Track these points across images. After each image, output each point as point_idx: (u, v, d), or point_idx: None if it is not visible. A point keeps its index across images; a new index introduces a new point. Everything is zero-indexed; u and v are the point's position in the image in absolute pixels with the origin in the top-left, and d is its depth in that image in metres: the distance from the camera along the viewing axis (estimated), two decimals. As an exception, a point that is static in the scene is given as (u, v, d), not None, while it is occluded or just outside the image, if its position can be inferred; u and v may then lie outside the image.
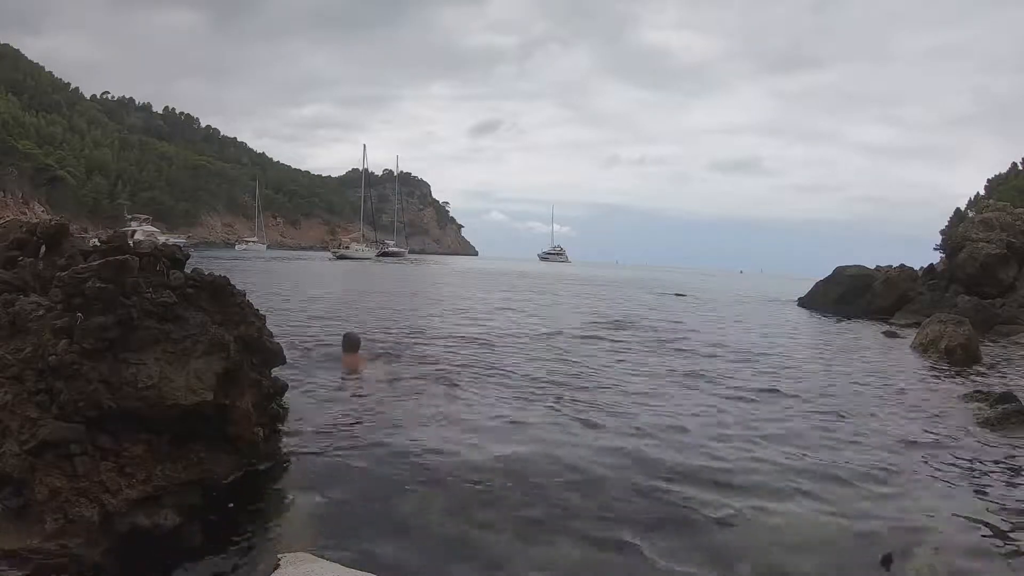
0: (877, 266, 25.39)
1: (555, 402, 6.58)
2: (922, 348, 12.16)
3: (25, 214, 59.42)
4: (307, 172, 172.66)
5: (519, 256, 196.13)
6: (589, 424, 5.83)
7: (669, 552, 3.49)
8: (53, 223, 4.33)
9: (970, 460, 5.41)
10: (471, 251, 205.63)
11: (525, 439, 5.24)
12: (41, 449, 3.24)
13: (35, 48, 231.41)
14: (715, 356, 10.80)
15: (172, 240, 34.91)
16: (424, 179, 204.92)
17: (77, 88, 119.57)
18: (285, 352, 4.80)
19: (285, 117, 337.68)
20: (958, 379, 9.59)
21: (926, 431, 6.29)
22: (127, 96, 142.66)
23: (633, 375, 8.51)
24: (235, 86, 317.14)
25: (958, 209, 66.39)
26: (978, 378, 9.71)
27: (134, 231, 49.19)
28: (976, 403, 7.51)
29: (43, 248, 4.19)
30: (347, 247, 79.21)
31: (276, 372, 4.76)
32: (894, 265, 24.80)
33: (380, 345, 9.36)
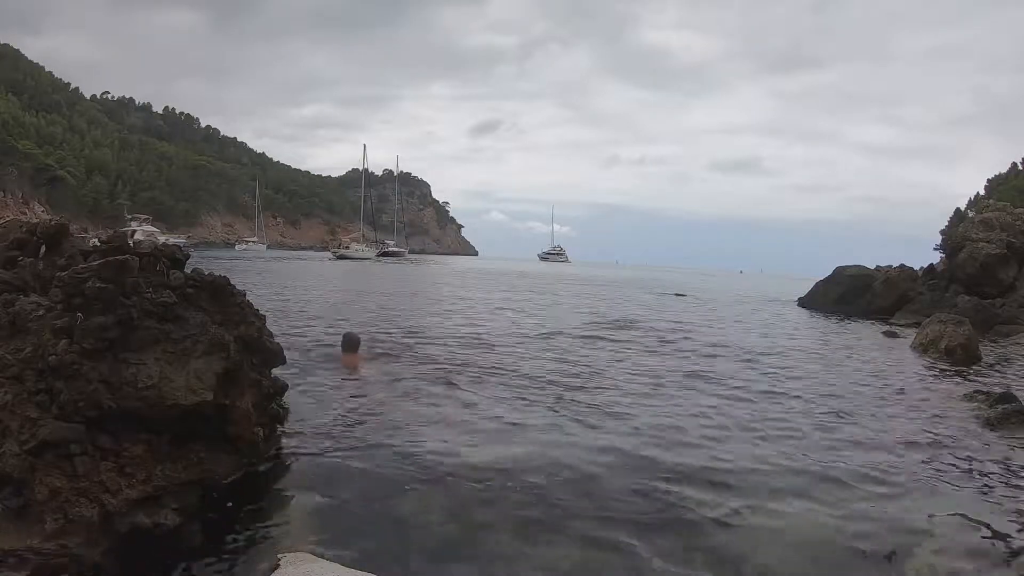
0: (877, 266, 25.41)
1: (555, 402, 6.58)
2: (922, 348, 12.17)
3: (25, 214, 59.43)
4: (307, 172, 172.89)
5: (519, 256, 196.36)
6: (589, 425, 5.83)
7: (668, 553, 3.49)
8: (53, 223, 4.33)
9: (970, 460, 5.41)
10: (471, 251, 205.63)
11: (525, 440, 5.25)
12: (41, 449, 3.24)
13: (35, 48, 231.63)
14: (715, 356, 10.80)
15: (172, 240, 34.92)
16: (424, 179, 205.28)
17: (77, 88, 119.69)
18: (285, 352, 4.80)
19: (285, 117, 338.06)
20: (958, 379, 9.59)
21: (926, 431, 6.29)
22: (127, 96, 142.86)
23: (633, 375, 8.51)
24: (235, 86, 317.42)
25: (958, 209, 66.40)
26: (978, 378, 9.71)
27: (134, 231, 49.19)
28: (976, 403, 7.51)
29: (43, 248, 4.19)
30: (347, 247, 79.19)
31: (276, 372, 4.76)
32: (894, 265, 24.82)
33: (380, 345, 9.36)
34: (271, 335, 4.60)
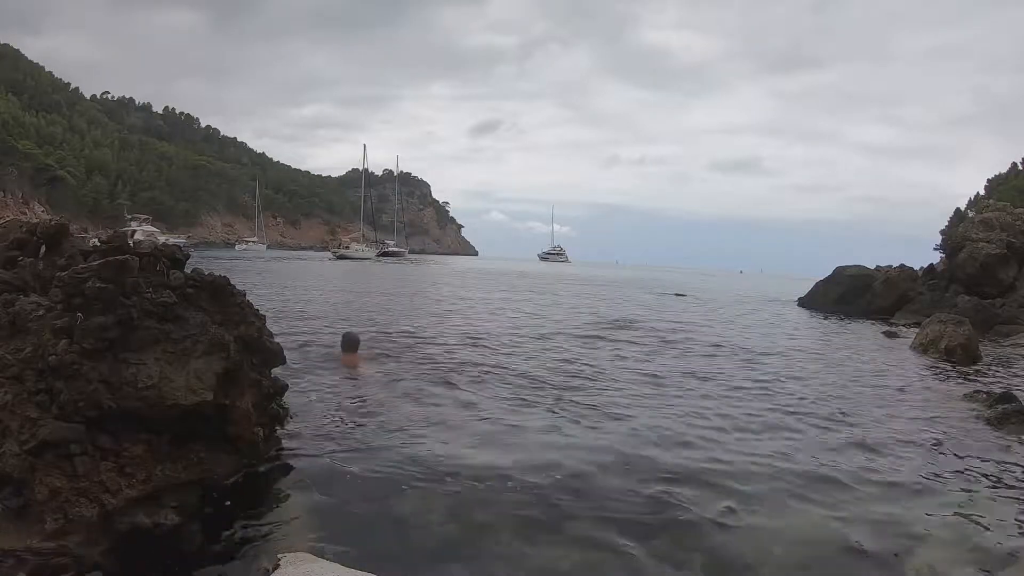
0: (877, 266, 25.42)
1: (554, 403, 6.58)
2: (922, 348, 12.17)
3: (25, 214, 59.42)
4: (307, 172, 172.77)
5: (519, 256, 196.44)
6: (588, 425, 5.83)
7: (667, 554, 3.49)
8: (53, 223, 4.33)
9: (970, 460, 5.40)
10: (471, 251, 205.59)
11: (524, 440, 5.25)
12: (41, 449, 3.24)
13: (35, 48, 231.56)
14: (715, 356, 10.80)
15: (172, 240, 34.91)
16: (424, 179, 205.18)
17: (77, 88, 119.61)
18: (285, 352, 4.80)
19: (285, 117, 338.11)
20: (958, 379, 9.59)
21: (926, 431, 6.29)
22: (127, 96, 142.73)
23: (632, 376, 8.51)
24: (235, 86, 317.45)
25: (958, 209, 66.39)
26: (978, 378, 9.71)
27: (134, 231, 49.16)
28: (976, 403, 7.51)
29: (43, 248, 4.19)
30: (347, 247, 79.14)
31: (276, 372, 4.76)
32: (894, 265, 24.84)
33: (380, 345, 9.36)
34: (271, 335, 4.60)
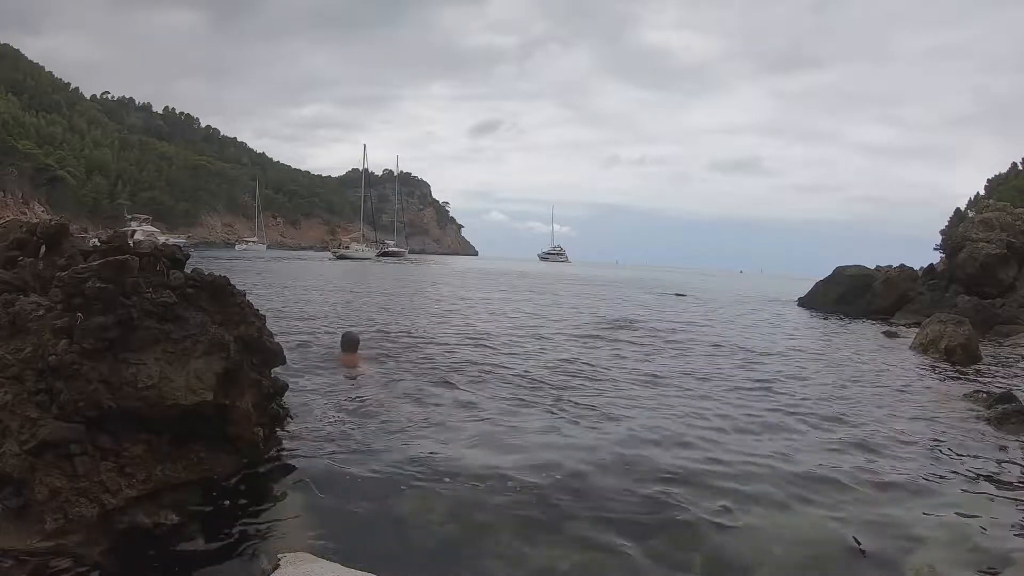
0: (877, 266, 25.43)
1: (554, 403, 6.58)
2: (922, 348, 12.17)
3: (25, 214, 59.42)
4: (307, 172, 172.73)
5: (519, 256, 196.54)
6: (587, 425, 5.83)
7: (667, 554, 3.49)
8: (53, 223, 4.33)
9: (970, 460, 5.40)
10: (471, 251, 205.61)
11: (524, 440, 5.25)
12: (41, 449, 3.24)
13: (35, 48, 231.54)
14: (714, 356, 10.80)
15: (172, 240, 34.91)
16: (424, 179, 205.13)
17: (77, 88, 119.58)
18: (285, 352, 4.80)
19: (285, 117, 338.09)
20: (958, 379, 9.59)
21: (926, 431, 6.29)
22: (127, 96, 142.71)
23: (632, 376, 8.51)
24: (235, 86, 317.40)
25: (958, 209, 66.41)
26: (978, 378, 9.71)
27: (134, 231, 49.16)
28: (976, 403, 7.51)
29: (43, 248, 4.19)
30: (347, 247, 79.15)
31: (276, 372, 4.76)
32: (894, 265, 24.84)
33: (379, 345, 9.36)
34: (271, 335, 4.60)
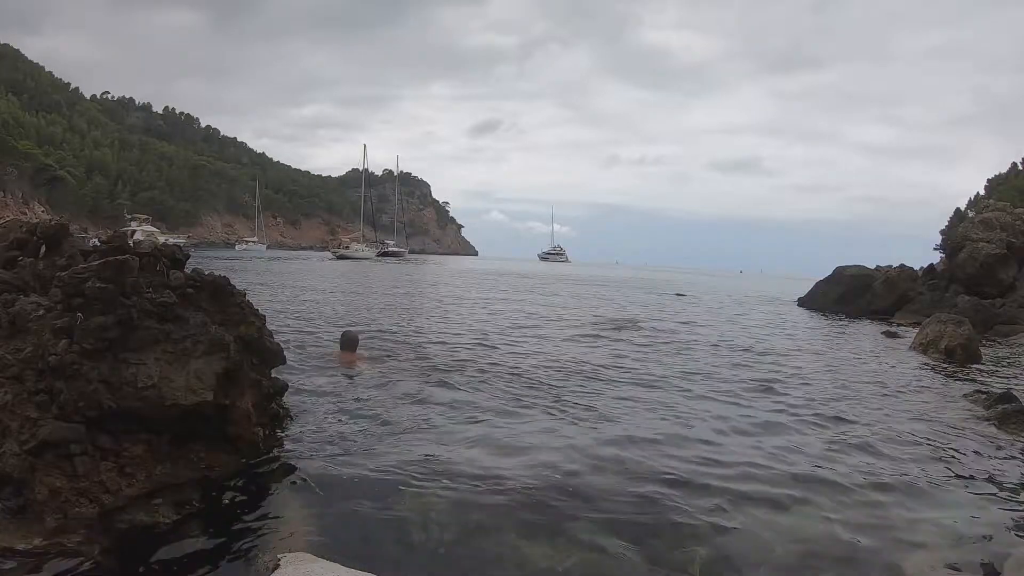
0: (877, 266, 25.44)
1: (553, 403, 6.58)
2: (922, 348, 12.17)
3: (25, 214, 59.41)
4: (307, 172, 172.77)
5: (519, 256, 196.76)
6: (587, 426, 5.83)
7: (666, 555, 3.49)
8: (53, 223, 4.33)
9: (970, 460, 5.41)
10: (471, 251, 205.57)
11: (523, 441, 5.24)
12: (41, 449, 3.24)
13: (35, 48, 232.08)
14: (714, 357, 10.80)
15: (172, 240, 34.90)
16: (424, 179, 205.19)
17: (77, 88, 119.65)
18: (285, 352, 4.80)
19: (285, 117, 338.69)
20: (958, 379, 9.59)
21: (926, 431, 6.28)
22: (127, 96, 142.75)
23: (631, 376, 8.51)
24: (235, 86, 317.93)
25: (958, 209, 66.45)
26: (978, 378, 9.71)
27: (134, 231, 49.18)
28: (976, 403, 7.51)
29: (43, 248, 4.19)
30: (347, 247, 79.16)
31: (276, 372, 4.76)
32: (894, 265, 24.85)
33: (379, 345, 9.37)
34: (271, 335, 4.60)
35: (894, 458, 5.34)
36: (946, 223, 60.91)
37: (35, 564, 2.90)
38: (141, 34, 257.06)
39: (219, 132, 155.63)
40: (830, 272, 25.85)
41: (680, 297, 30.62)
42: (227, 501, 3.71)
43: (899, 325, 18.48)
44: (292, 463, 4.32)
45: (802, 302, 26.46)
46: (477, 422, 5.70)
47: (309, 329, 10.72)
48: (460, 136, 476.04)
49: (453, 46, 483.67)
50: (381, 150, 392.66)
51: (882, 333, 16.23)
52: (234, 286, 4.34)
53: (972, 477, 5.02)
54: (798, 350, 12.45)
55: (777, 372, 9.48)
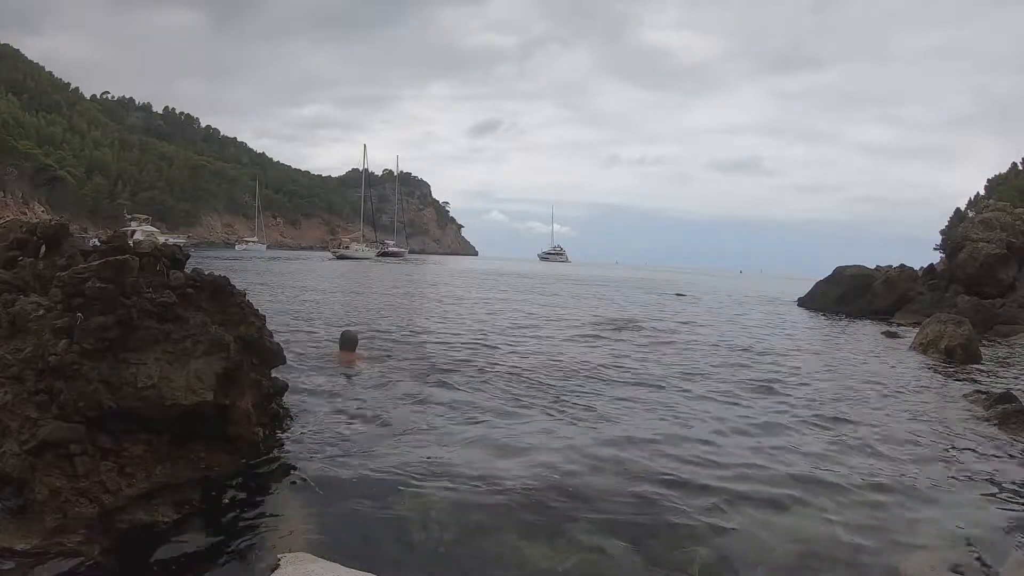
0: (877, 266, 25.44)
1: (552, 403, 6.58)
2: (922, 348, 12.17)
3: (25, 214, 59.41)
4: (307, 172, 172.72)
5: (519, 256, 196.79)
6: (586, 426, 5.83)
7: (665, 556, 3.49)
8: (53, 223, 4.34)
9: (970, 461, 5.41)
10: (471, 251, 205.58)
11: (522, 442, 5.24)
12: (41, 449, 3.24)
13: (35, 48, 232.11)
14: (714, 357, 10.80)
15: (172, 240, 34.89)
16: (424, 179, 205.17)
17: (77, 88, 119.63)
18: (285, 352, 4.80)
19: (285, 117, 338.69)
20: (958, 379, 9.59)
21: (926, 432, 6.29)
22: (127, 96, 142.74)
23: (631, 376, 8.51)
24: (235, 86, 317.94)
25: (958, 209, 66.46)
26: (978, 378, 9.71)
27: (134, 231, 49.17)
28: (976, 403, 7.51)
29: (43, 248, 4.19)
30: (347, 247, 79.14)
31: (276, 372, 4.76)
32: (894, 265, 24.85)
33: (379, 344, 9.37)
34: (271, 335, 4.60)
35: (893, 458, 5.34)
36: (946, 223, 60.93)
37: (35, 564, 2.90)
38: (141, 34, 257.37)
39: (219, 132, 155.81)
40: (830, 272, 25.85)
41: (680, 297, 30.62)
42: (227, 501, 3.72)
43: (899, 325, 18.48)
44: (292, 463, 4.32)
45: (802, 302, 26.46)
46: (477, 422, 5.70)
47: (309, 329, 10.73)
48: (460, 136, 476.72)
49: (453, 46, 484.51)
50: (381, 150, 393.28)
51: (882, 333, 16.23)
52: (234, 286, 4.34)
53: (972, 478, 5.02)
54: (798, 350, 12.45)
55: (777, 372, 9.47)
